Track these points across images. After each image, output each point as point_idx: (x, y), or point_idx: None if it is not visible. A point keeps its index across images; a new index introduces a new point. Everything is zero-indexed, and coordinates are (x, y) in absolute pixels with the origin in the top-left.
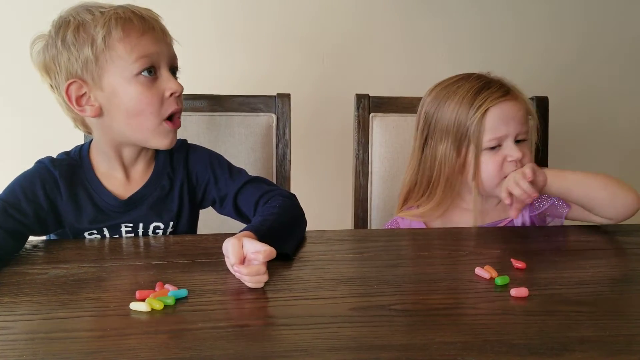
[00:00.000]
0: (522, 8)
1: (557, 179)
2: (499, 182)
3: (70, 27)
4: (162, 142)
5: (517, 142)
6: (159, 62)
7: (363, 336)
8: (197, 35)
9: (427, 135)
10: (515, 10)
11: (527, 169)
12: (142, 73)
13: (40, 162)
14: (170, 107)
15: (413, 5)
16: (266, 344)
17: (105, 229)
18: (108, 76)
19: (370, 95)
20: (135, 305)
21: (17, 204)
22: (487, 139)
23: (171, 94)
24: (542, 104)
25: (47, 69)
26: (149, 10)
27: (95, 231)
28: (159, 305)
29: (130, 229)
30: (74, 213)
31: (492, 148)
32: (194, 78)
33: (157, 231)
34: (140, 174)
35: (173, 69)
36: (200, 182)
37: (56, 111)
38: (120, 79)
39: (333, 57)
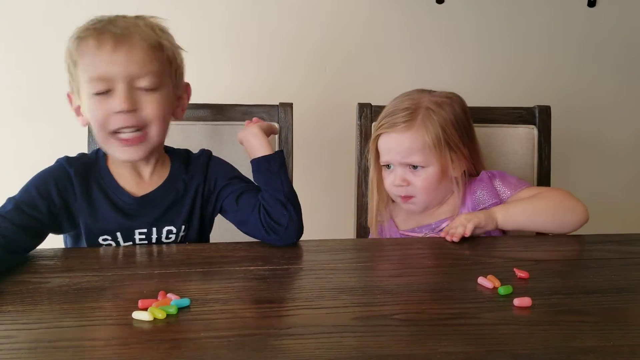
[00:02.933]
0: (526, 17)
1: (507, 222)
2: (394, 197)
3: (70, 40)
4: (118, 156)
5: (414, 167)
6: (113, 81)
7: (366, 346)
8: (200, 45)
9: None
10: (519, 20)
11: (466, 230)
12: (97, 94)
13: (57, 161)
14: (114, 123)
15: (416, 14)
16: (268, 354)
17: (118, 234)
18: (80, 92)
19: (373, 104)
20: (137, 315)
21: (31, 201)
22: (380, 159)
23: (118, 112)
24: (545, 112)
25: None
26: (125, 17)
27: (109, 237)
28: (161, 315)
29: (144, 236)
30: (88, 211)
31: (388, 166)
32: (197, 87)
33: (170, 236)
34: (153, 176)
35: (141, 84)
36: (216, 189)
37: (58, 114)
38: (85, 95)
39: (335, 66)
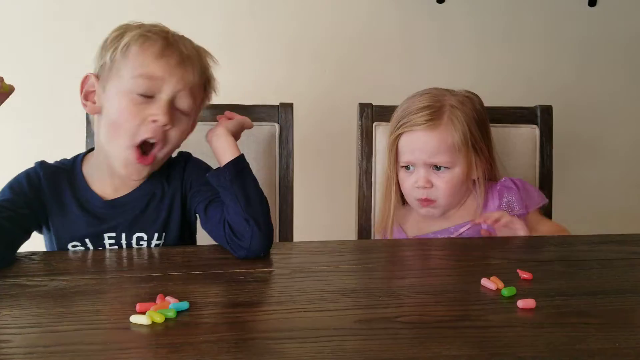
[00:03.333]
0: (526, 17)
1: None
2: (411, 201)
3: (115, 32)
4: (124, 170)
5: (438, 168)
6: (160, 88)
7: (368, 349)
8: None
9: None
10: (518, 19)
11: (502, 219)
12: (138, 93)
13: (33, 165)
14: (145, 132)
15: (416, 14)
16: (269, 358)
17: (87, 240)
18: (112, 82)
19: (374, 104)
20: (135, 318)
21: (8, 199)
22: (400, 160)
23: (154, 120)
24: (546, 112)
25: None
26: (191, 43)
27: (78, 243)
28: (159, 319)
29: (113, 241)
30: (58, 213)
31: (408, 168)
32: None
33: (141, 242)
34: (129, 182)
35: (180, 104)
36: (191, 192)
37: (56, 117)
38: (119, 89)
39: (336, 66)
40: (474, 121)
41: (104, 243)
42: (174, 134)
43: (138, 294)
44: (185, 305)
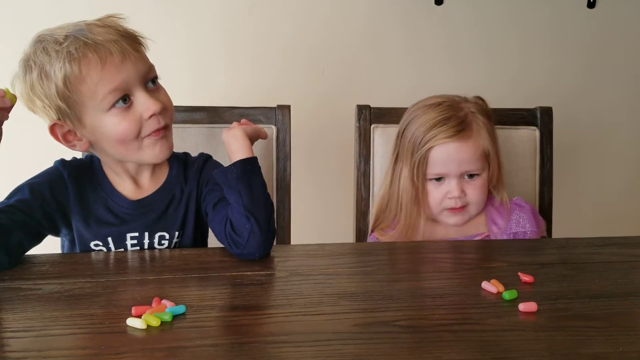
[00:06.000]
0: (526, 18)
1: None
2: (439, 211)
3: (34, 73)
4: (153, 155)
5: (469, 176)
6: (129, 86)
7: (366, 354)
8: (197, 47)
9: (397, 153)
10: (519, 21)
11: None
12: (116, 105)
13: (53, 164)
14: (150, 128)
15: (415, 15)
16: None
17: (110, 239)
18: (85, 115)
19: (372, 106)
20: (131, 322)
21: (25, 201)
22: (430, 172)
23: (150, 115)
24: (546, 114)
25: (31, 109)
26: (105, 27)
27: (100, 243)
28: (155, 322)
29: (135, 241)
30: (81, 214)
31: (437, 179)
32: (194, 90)
33: (163, 242)
34: (150, 181)
35: (152, 81)
36: (204, 192)
37: None
38: (96, 116)
39: (334, 68)
40: (491, 128)
41: (127, 244)
42: (167, 103)
43: (134, 297)
44: (181, 308)
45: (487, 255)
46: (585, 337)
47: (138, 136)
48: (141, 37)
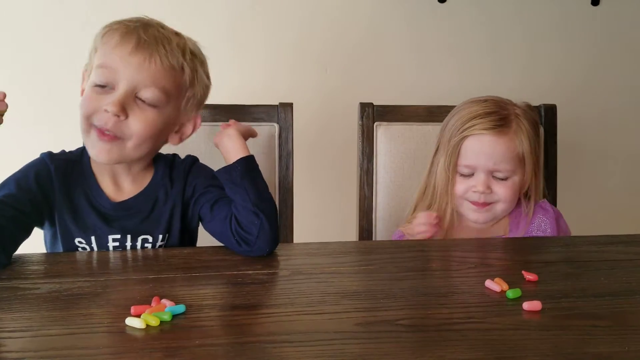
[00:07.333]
0: (530, 16)
1: None
2: (461, 202)
3: (102, 27)
4: (91, 152)
5: (499, 178)
6: (117, 77)
7: (369, 353)
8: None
9: (438, 144)
10: (523, 19)
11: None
12: (97, 83)
13: (39, 156)
14: (98, 120)
15: (418, 13)
16: None
17: (93, 238)
18: (88, 76)
19: (375, 103)
20: (130, 322)
21: (12, 195)
22: (460, 163)
23: (105, 110)
24: (550, 111)
25: None
26: (158, 30)
27: (83, 241)
28: (154, 322)
29: (117, 243)
30: (67, 209)
31: (467, 174)
32: None
33: (146, 245)
34: (132, 184)
35: (143, 94)
36: (194, 196)
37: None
38: (89, 82)
39: (336, 65)
40: (533, 135)
41: (109, 245)
42: (134, 126)
43: (133, 296)
44: (181, 308)
45: (491, 253)
46: (590, 336)
47: (89, 120)
48: (189, 71)
